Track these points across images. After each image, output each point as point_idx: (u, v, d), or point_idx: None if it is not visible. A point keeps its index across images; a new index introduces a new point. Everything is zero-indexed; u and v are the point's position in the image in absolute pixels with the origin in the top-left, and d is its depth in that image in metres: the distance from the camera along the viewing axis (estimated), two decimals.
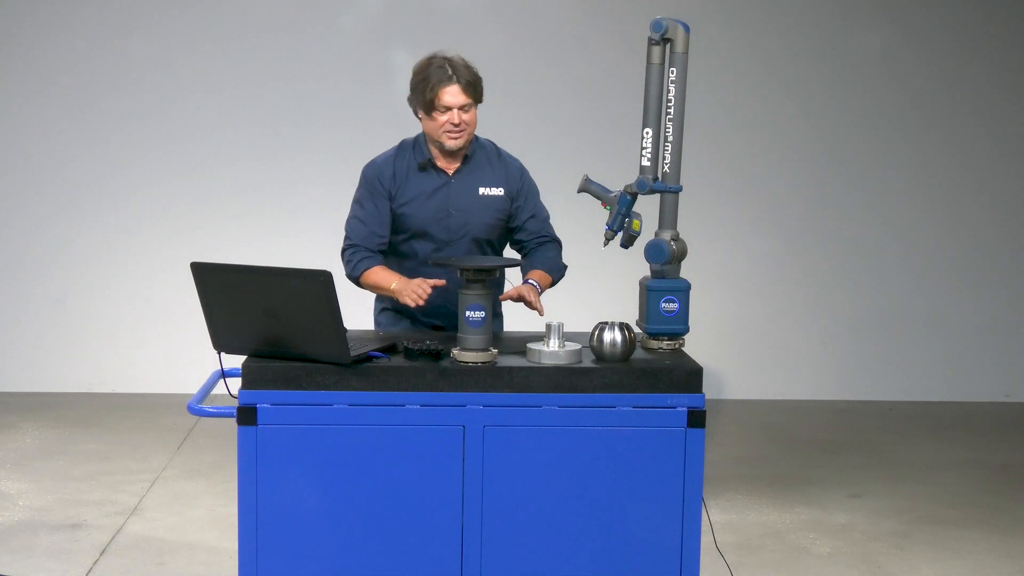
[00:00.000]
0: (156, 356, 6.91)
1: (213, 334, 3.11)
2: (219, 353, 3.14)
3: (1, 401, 6.64)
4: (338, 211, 6.76)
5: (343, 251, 3.79)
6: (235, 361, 3.12)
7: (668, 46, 3.34)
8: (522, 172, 3.84)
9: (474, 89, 3.64)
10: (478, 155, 3.78)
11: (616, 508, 3.11)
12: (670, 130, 3.34)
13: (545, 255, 3.81)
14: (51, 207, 6.89)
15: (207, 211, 6.89)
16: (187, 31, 6.83)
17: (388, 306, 3.85)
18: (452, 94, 3.60)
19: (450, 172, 3.74)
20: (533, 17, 6.94)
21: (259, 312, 3.02)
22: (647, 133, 3.36)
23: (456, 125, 3.62)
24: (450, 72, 3.60)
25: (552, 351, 3.16)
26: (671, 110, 3.33)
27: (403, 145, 3.81)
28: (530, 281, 3.68)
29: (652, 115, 3.36)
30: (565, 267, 3.87)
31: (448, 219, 3.72)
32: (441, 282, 3.52)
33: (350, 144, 6.88)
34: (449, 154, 3.72)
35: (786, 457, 5.93)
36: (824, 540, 4.70)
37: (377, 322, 3.91)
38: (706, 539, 3.24)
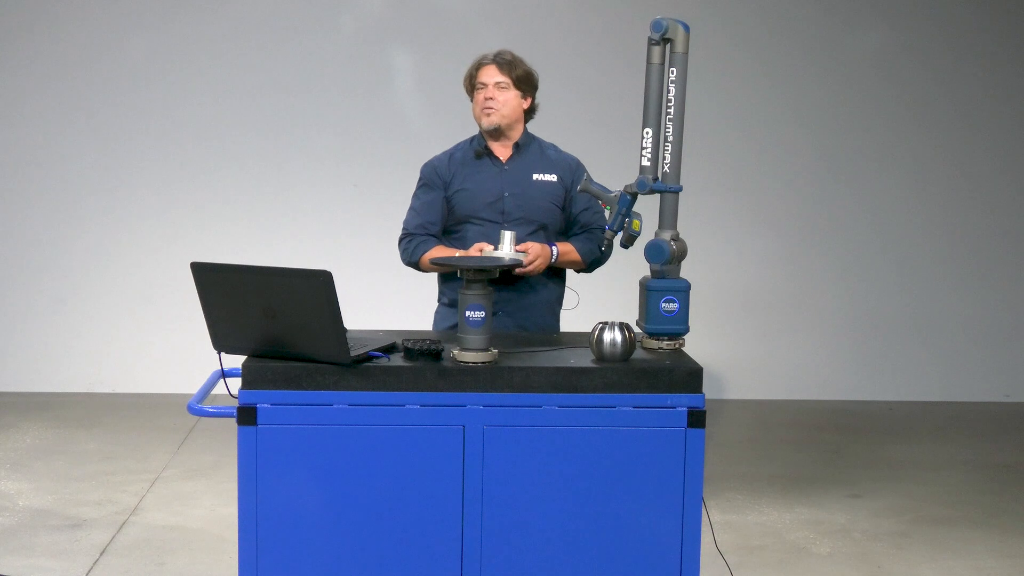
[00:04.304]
0: (156, 356, 6.92)
1: (213, 334, 3.11)
2: (219, 353, 3.14)
3: (1, 401, 6.64)
4: (339, 212, 6.86)
5: (400, 240, 3.95)
6: (235, 361, 3.12)
7: (668, 46, 3.34)
8: (578, 165, 3.98)
9: (511, 69, 3.84)
10: (532, 146, 3.96)
11: (616, 508, 3.11)
12: (670, 130, 3.34)
13: (582, 237, 3.95)
14: (51, 207, 6.90)
15: (207, 211, 6.90)
16: (187, 34, 6.83)
17: (446, 302, 3.94)
18: (487, 72, 3.85)
19: (504, 159, 3.90)
20: (533, 17, 6.94)
21: (259, 312, 3.02)
22: (647, 133, 3.36)
23: (489, 100, 3.82)
24: (491, 56, 3.87)
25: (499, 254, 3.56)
26: (671, 110, 3.33)
27: (461, 142, 4.01)
28: (552, 245, 3.82)
29: (652, 115, 3.36)
30: (603, 255, 3.92)
31: (501, 202, 3.84)
32: (490, 246, 3.68)
33: (351, 145, 6.91)
34: (498, 139, 3.89)
35: (786, 457, 5.93)
36: (824, 540, 4.70)
37: (435, 318, 3.99)
38: (706, 539, 3.24)
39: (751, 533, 4.77)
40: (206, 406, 3.20)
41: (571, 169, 3.95)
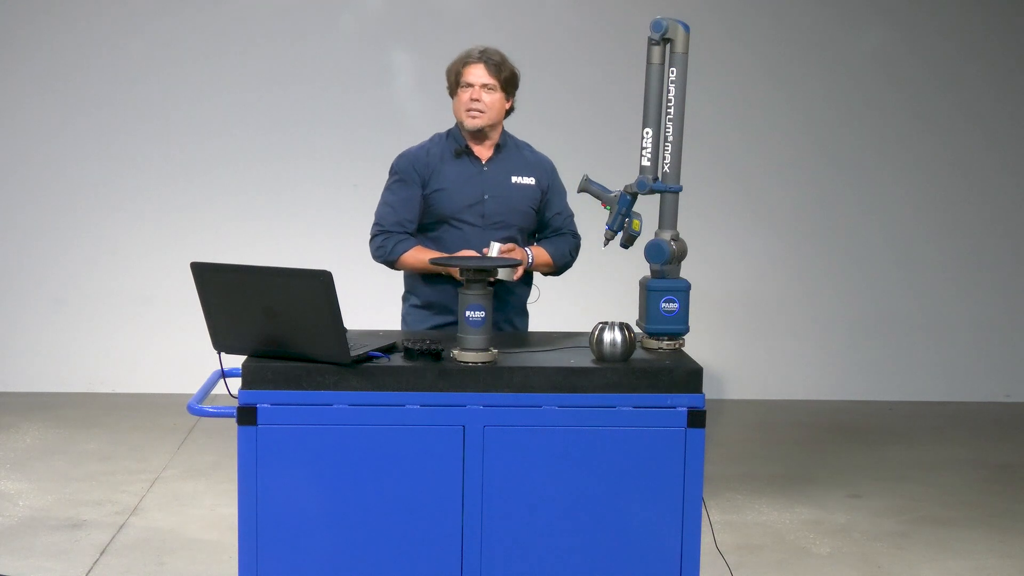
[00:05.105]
0: (156, 356, 6.92)
1: (213, 334, 3.11)
2: (219, 353, 3.14)
3: (1, 401, 6.64)
4: (338, 212, 6.85)
5: (373, 237, 3.85)
6: (235, 361, 3.12)
7: (668, 46, 3.34)
8: (554, 168, 3.96)
9: (498, 71, 3.76)
10: (510, 146, 3.90)
11: (616, 508, 3.11)
12: (670, 130, 3.34)
13: (554, 240, 3.93)
14: (51, 207, 6.90)
15: (207, 212, 6.90)
16: (187, 33, 6.83)
17: (418, 303, 3.88)
18: (475, 71, 3.76)
19: (483, 160, 3.84)
20: (533, 17, 6.95)
21: (259, 312, 3.02)
22: (647, 133, 3.36)
23: (475, 101, 3.74)
24: (477, 54, 3.77)
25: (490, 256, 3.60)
26: (671, 110, 3.33)
27: (435, 136, 3.93)
28: (526, 249, 3.80)
29: (652, 115, 3.36)
30: (572, 259, 3.95)
31: (482, 205, 3.79)
32: (475, 253, 3.67)
33: (350, 145, 6.92)
34: (477, 139, 3.82)
35: (786, 457, 5.93)
36: (824, 540, 4.70)
37: (404, 320, 3.94)
38: (706, 539, 3.24)
39: (751, 533, 4.77)
40: (206, 406, 3.20)
41: (547, 171, 3.92)
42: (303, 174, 6.92)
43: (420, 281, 3.87)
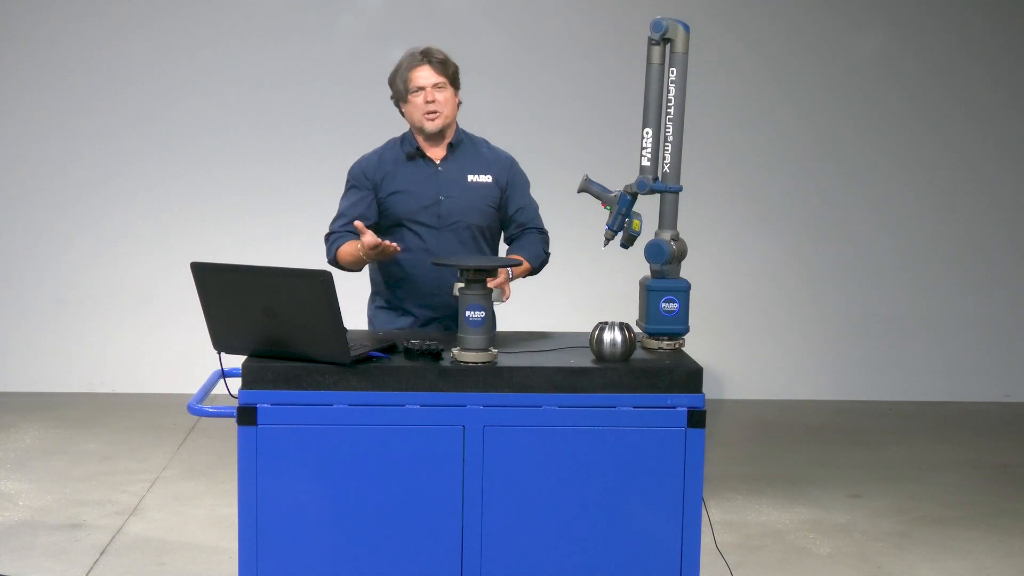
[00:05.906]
0: (156, 356, 6.92)
1: (213, 334, 3.11)
2: (219, 353, 3.14)
3: (1, 401, 6.64)
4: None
5: (324, 240, 3.86)
6: (235, 361, 3.12)
7: (668, 46, 3.34)
8: (512, 163, 3.91)
9: (445, 68, 3.76)
10: (465, 144, 3.86)
11: (616, 508, 3.11)
12: (670, 130, 3.34)
13: (525, 242, 3.88)
14: (51, 207, 6.90)
15: (207, 211, 6.90)
16: (186, 32, 6.83)
17: (383, 304, 3.87)
18: (423, 73, 3.76)
19: (437, 160, 3.81)
20: (533, 17, 6.95)
21: (259, 312, 3.02)
22: (647, 133, 3.36)
23: (431, 102, 3.73)
24: (419, 56, 3.76)
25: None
26: (671, 110, 3.33)
27: (390, 141, 3.92)
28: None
29: (652, 115, 3.36)
30: (547, 256, 3.93)
31: (438, 206, 3.77)
32: (393, 245, 3.55)
33: (350, 144, 6.83)
34: (432, 140, 3.80)
35: (786, 457, 5.93)
36: (824, 540, 4.70)
37: (371, 321, 3.92)
38: (706, 539, 3.24)
39: (751, 533, 4.77)
40: (206, 406, 3.20)
41: (505, 168, 3.87)
42: (303, 174, 6.91)
43: (385, 283, 3.86)
